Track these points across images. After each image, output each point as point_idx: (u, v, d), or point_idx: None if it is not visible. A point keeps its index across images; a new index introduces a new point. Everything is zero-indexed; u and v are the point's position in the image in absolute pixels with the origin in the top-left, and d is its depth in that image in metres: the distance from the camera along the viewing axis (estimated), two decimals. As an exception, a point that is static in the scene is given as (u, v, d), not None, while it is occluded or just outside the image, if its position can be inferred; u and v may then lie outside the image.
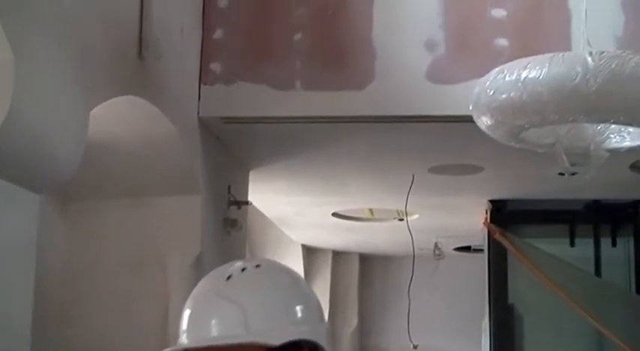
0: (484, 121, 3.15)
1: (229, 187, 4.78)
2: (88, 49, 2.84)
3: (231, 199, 4.77)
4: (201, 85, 4.14)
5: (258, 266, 1.77)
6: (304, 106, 4.12)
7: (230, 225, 4.70)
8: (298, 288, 1.79)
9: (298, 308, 1.73)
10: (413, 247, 6.35)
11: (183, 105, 3.94)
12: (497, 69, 3.06)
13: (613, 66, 2.80)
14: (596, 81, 2.77)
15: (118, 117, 3.39)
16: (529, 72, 2.88)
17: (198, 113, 4.14)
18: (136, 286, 3.96)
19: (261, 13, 4.21)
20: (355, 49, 4.14)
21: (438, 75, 4.07)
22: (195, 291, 1.78)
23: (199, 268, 4.03)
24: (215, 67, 4.16)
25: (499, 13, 4.10)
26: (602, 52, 2.87)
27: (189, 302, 1.76)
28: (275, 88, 4.12)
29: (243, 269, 1.75)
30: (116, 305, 3.94)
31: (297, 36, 4.17)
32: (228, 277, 1.73)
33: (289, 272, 1.83)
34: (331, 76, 4.11)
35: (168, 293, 3.92)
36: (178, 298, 3.82)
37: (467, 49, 4.09)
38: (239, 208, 4.86)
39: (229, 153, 4.82)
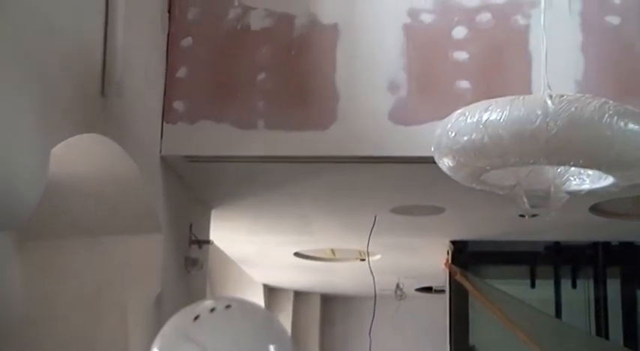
0: (446, 163, 3.16)
1: (191, 225, 4.76)
2: (49, 87, 2.82)
3: (193, 238, 4.75)
4: (164, 123, 4.13)
5: (228, 307, 1.75)
6: (267, 145, 4.12)
7: (191, 264, 4.67)
8: (271, 327, 1.77)
9: (272, 347, 1.71)
10: (374, 287, 6.33)
11: (146, 143, 3.92)
12: (458, 111, 3.08)
13: (573, 109, 2.83)
14: (556, 124, 2.80)
15: (79, 155, 3.37)
16: (490, 114, 2.90)
17: (161, 151, 4.12)
18: (95, 326, 3.91)
19: (225, 52, 4.22)
20: (318, 89, 4.16)
21: (400, 116, 4.09)
22: (163, 330, 1.75)
23: (159, 308, 4.00)
24: (178, 105, 4.16)
25: (461, 55, 4.14)
26: (562, 96, 2.89)
27: (156, 341, 1.74)
28: (238, 127, 4.12)
29: (212, 309, 1.73)
30: (74, 346, 3.88)
31: (261, 75, 4.18)
32: (196, 318, 1.71)
33: (261, 311, 1.81)
34: (294, 115, 4.12)
35: (127, 334, 3.87)
36: (138, 339, 3.78)
37: (429, 91, 4.12)
38: (200, 247, 4.84)
39: (192, 191, 4.81)
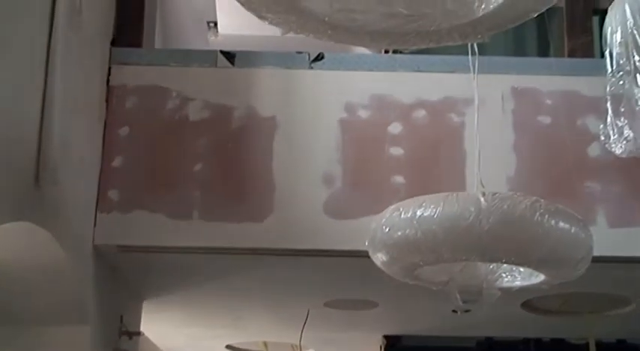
0: (379, 258, 3.18)
1: (122, 316, 4.67)
2: (-19, 173, 2.78)
3: (123, 329, 4.66)
4: (98, 212, 4.09)
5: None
6: (201, 236, 4.10)
7: (120, 356, 4.58)
8: None
9: None
10: (307, 381, 6.27)
11: (79, 232, 3.87)
12: (393, 206, 3.11)
13: (505, 207, 2.87)
14: (489, 221, 2.83)
15: (8, 242, 3.31)
16: (424, 210, 2.93)
17: (94, 241, 4.07)
18: None
19: (163, 141, 4.22)
20: (255, 181, 4.17)
21: (335, 209, 4.11)
22: None
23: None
24: (113, 194, 4.12)
25: (396, 150, 4.20)
26: (495, 193, 2.94)
27: None
28: (172, 217, 4.09)
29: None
30: None
31: (198, 166, 4.18)
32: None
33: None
34: (230, 207, 4.12)
35: None
36: None
37: (364, 185, 4.16)
38: (130, 338, 4.75)
39: (123, 282, 4.74)
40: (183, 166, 4.18)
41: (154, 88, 4.29)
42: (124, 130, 4.22)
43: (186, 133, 4.23)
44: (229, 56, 4.35)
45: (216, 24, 7.49)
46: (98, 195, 4.10)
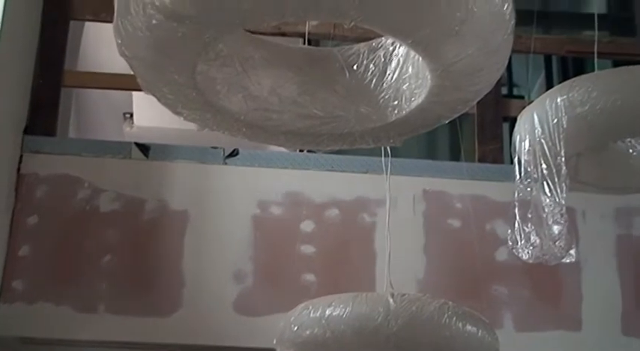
0: (288, 356, 3.15)
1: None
2: None
3: None
4: (1, 302, 3.99)
5: None
6: (107, 330, 4.02)
7: None
8: None
9: None
10: None
11: (-22, 323, 3.77)
12: (302, 305, 3.10)
13: (414, 309, 2.89)
14: (397, 323, 2.84)
15: None
16: (333, 310, 2.93)
17: (-5, 332, 3.96)
18: None
19: (72, 232, 4.16)
20: (164, 275, 4.12)
21: (245, 306, 4.08)
22: None
23: None
24: (17, 284, 4.03)
25: (308, 248, 4.21)
26: (404, 295, 2.96)
27: None
28: (78, 310, 4.01)
29: None
30: None
31: (107, 258, 4.12)
32: None
33: None
34: (137, 301, 4.06)
35: None
36: None
37: (275, 283, 4.14)
38: None
39: (23, 375, 4.60)
40: (91, 257, 4.12)
41: (65, 178, 4.24)
42: (33, 219, 4.15)
43: (96, 225, 4.18)
44: (144, 148, 4.35)
45: (132, 115, 7.49)
46: (2, 285, 4.01)
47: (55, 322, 4.01)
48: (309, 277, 4.14)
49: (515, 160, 2.97)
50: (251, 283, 4.13)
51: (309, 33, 3.83)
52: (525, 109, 2.91)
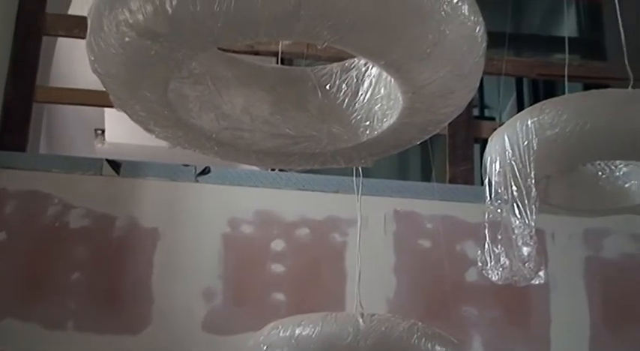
0: (256, 376, 3.14)
1: None
2: None
3: None
4: (-33, 319, 3.96)
5: None
6: (75, 347, 3.98)
7: None
8: None
9: None
10: None
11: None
12: (272, 324, 3.09)
13: (383, 329, 2.89)
14: (366, 343, 2.84)
15: None
16: (303, 329, 2.92)
17: (-40, 348, 3.92)
18: None
19: (40, 248, 4.13)
20: (133, 292, 4.10)
21: (213, 325, 4.06)
22: None
23: None
24: (-16, 301, 4.00)
25: (278, 267, 4.20)
26: (374, 315, 2.96)
27: None
28: (46, 327, 3.98)
29: None
30: None
31: (75, 275, 4.09)
32: None
33: None
34: (106, 318, 4.03)
35: None
36: None
37: (244, 301, 4.13)
38: None
39: (-12, 393, 4.55)
40: (60, 274, 4.09)
41: (35, 194, 4.21)
42: (2, 235, 4.12)
43: (65, 241, 4.15)
44: (115, 165, 4.33)
45: (103, 131, 7.47)
46: (-32, 301, 3.97)
47: (22, 339, 3.96)
48: (279, 296, 4.14)
49: (486, 181, 2.98)
50: (220, 301, 4.11)
51: (282, 52, 3.83)
52: (496, 131, 2.93)
